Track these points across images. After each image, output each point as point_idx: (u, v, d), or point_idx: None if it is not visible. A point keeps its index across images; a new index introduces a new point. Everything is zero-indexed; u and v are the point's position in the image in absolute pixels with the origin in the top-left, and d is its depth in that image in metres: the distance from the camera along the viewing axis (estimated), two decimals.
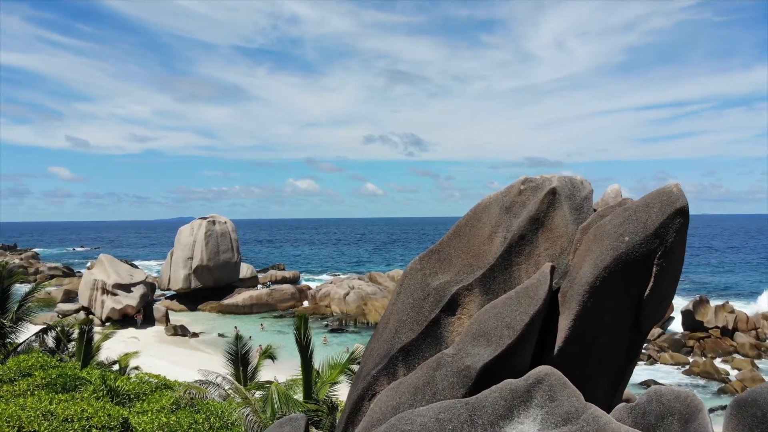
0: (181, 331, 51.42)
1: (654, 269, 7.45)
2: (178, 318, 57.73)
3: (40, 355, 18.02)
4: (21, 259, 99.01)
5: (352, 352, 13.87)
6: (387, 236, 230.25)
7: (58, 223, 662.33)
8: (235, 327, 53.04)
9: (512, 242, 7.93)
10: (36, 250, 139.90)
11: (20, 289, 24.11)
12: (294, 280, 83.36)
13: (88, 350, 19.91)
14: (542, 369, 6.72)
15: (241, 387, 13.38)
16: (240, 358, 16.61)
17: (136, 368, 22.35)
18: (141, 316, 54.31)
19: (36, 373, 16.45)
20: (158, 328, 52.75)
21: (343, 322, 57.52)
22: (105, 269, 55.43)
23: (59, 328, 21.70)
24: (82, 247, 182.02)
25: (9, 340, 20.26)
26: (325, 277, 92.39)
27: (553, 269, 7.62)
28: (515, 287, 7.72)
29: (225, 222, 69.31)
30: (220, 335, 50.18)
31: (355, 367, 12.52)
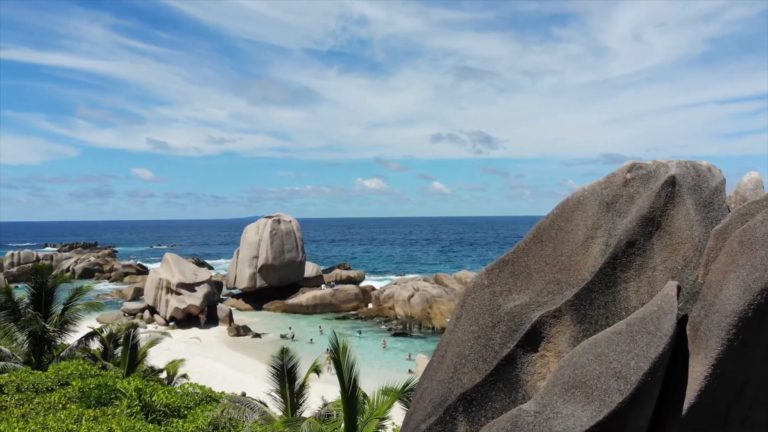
0: (243, 332, 51.05)
1: None
2: (242, 317, 57.56)
3: (81, 362, 17.09)
4: (97, 257, 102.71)
5: (405, 386, 11.50)
6: (454, 236, 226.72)
7: (140, 221, 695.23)
8: (290, 328, 52.14)
9: (617, 251, 5.74)
10: (115, 248, 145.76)
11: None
12: (358, 280, 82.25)
13: (133, 357, 18.85)
14: None
15: (276, 417, 11.63)
16: (286, 373, 14.90)
17: (184, 376, 21.20)
18: (204, 316, 54.36)
19: (73, 383, 15.49)
20: (221, 328, 52.60)
21: (407, 325, 55.37)
22: (170, 268, 55.81)
23: (105, 333, 20.76)
24: (159, 245, 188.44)
25: (54, 344, 19.41)
26: (390, 277, 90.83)
27: (678, 290, 5.38)
28: (624, 315, 5.54)
29: (290, 221, 68.93)
30: (282, 336, 49.41)
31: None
